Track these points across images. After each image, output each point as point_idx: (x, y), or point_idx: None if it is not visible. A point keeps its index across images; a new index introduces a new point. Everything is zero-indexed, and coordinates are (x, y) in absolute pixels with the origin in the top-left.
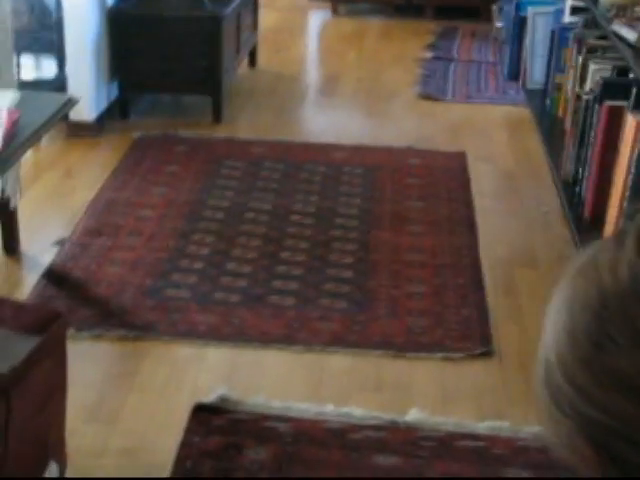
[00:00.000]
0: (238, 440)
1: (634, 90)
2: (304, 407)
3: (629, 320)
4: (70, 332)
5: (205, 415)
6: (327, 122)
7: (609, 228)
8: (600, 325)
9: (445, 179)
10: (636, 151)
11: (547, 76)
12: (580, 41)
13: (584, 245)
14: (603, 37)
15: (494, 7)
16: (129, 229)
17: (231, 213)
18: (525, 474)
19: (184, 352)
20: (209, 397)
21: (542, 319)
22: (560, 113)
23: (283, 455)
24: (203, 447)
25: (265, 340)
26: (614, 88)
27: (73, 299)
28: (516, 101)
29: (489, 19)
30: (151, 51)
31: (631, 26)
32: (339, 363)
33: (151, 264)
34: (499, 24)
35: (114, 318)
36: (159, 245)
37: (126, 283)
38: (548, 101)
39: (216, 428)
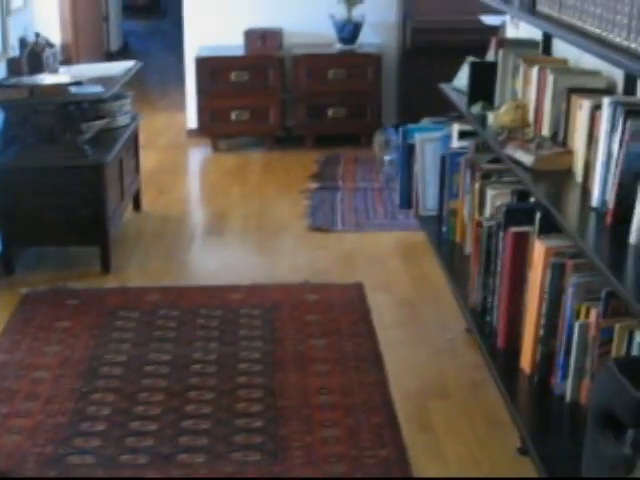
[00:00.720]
0: None
1: (538, 215)
2: None
3: None
4: None
5: None
6: (218, 263)
7: (526, 357)
8: None
9: (345, 313)
10: (547, 277)
11: (440, 202)
12: (473, 166)
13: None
14: (495, 160)
15: (381, 139)
16: (24, 393)
17: (130, 367)
18: None
19: None
20: None
21: (462, 452)
22: (458, 239)
23: None
24: None
25: None
26: (517, 214)
27: None
28: (406, 226)
29: (370, 145)
30: (33, 204)
31: (525, 149)
32: None
33: (51, 430)
34: (388, 157)
35: None
36: (57, 408)
37: (26, 453)
38: (444, 228)
39: None
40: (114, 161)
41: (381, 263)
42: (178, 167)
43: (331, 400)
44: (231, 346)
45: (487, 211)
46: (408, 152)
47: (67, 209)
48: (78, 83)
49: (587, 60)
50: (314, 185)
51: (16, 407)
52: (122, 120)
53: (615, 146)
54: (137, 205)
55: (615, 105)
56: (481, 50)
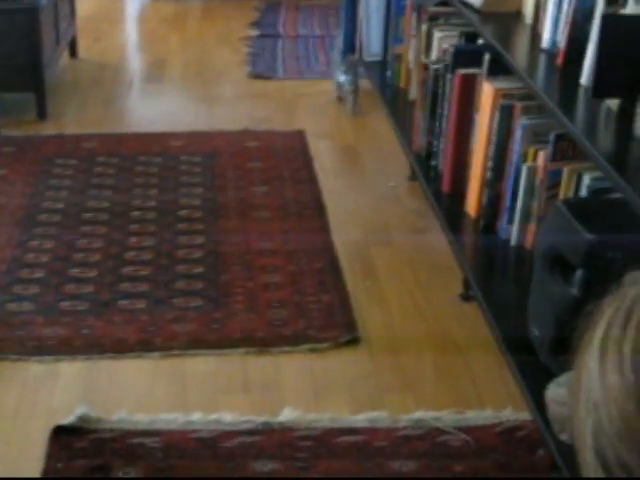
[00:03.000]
0: (104, 461)
1: (487, 57)
2: (171, 418)
3: None
4: None
5: (66, 438)
6: (158, 110)
7: (471, 201)
8: None
9: (286, 160)
10: (495, 119)
11: (385, 47)
12: (419, 9)
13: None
14: (442, 3)
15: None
16: None
17: (68, 215)
18: (410, 464)
19: (35, 370)
20: (68, 418)
21: (405, 298)
22: (402, 84)
23: (154, 473)
24: (68, 473)
25: (120, 349)
26: (465, 56)
27: None
28: None
29: None
30: None
31: None
32: (202, 366)
33: None
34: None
35: None
36: None
37: None
38: (389, 73)
39: (79, 451)
40: (49, 5)
41: (323, 110)
42: (115, 14)
43: (272, 246)
44: (171, 193)
45: (434, 54)
46: None
47: (1, 55)
48: None
49: None
50: (254, 32)
51: None
52: None
53: None
54: (73, 52)
55: None
56: None
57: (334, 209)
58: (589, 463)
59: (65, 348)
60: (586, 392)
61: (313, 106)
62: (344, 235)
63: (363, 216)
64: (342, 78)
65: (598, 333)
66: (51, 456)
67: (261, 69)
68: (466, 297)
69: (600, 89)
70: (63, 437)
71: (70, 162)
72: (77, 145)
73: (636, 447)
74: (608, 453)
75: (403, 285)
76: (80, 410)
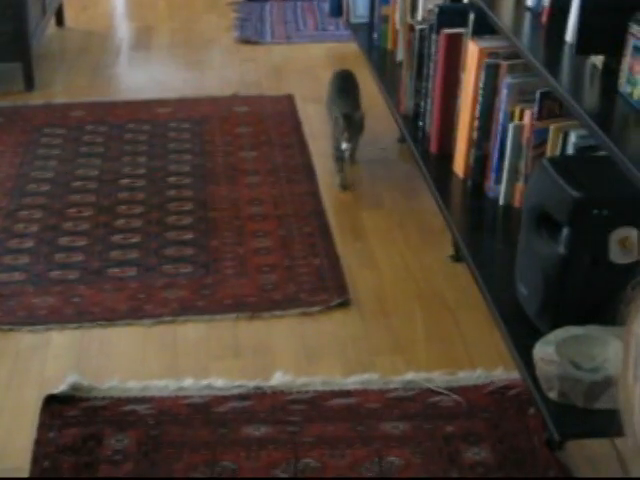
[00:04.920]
0: (96, 430)
1: (472, 16)
2: (162, 384)
3: None
4: None
5: (57, 407)
6: (146, 77)
7: (459, 162)
8: None
9: (276, 124)
10: (481, 79)
11: (372, 9)
12: None
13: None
14: None
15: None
16: None
17: (57, 184)
18: (402, 426)
19: (26, 340)
20: (59, 387)
21: (395, 261)
22: (389, 46)
23: (147, 440)
24: (60, 442)
25: (111, 317)
26: (450, 15)
27: None
28: (337, 37)
29: None
30: None
31: None
32: (192, 332)
33: None
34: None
35: None
36: None
37: None
38: (375, 35)
39: (71, 419)
40: None
41: (312, 75)
42: None
43: (262, 211)
44: (160, 160)
45: (419, 14)
46: None
47: None
48: None
49: None
50: None
51: None
52: None
53: None
54: (60, 21)
55: None
56: None
57: (323, 173)
58: (637, 428)
59: (56, 317)
60: (634, 358)
61: (302, 70)
62: (334, 199)
63: (353, 179)
64: (344, 145)
65: None
66: (43, 425)
67: (249, 34)
68: (456, 258)
69: (584, 46)
70: (55, 406)
71: (58, 131)
72: (65, 114)
73: None
74: None
75: (393, 247)
76: (72, 379)
